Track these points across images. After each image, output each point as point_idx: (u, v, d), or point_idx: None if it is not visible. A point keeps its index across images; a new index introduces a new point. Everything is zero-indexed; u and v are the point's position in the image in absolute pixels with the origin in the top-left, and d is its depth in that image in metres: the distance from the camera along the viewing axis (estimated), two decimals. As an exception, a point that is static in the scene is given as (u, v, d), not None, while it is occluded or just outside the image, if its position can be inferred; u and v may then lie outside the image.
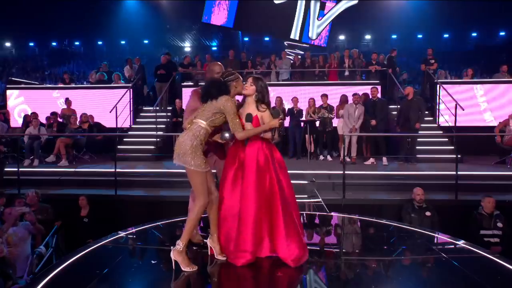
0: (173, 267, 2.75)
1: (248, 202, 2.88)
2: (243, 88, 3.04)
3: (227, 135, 2.98)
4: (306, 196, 5.59)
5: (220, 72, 3.27)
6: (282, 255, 2.84)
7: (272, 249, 2.91)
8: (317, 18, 10.90)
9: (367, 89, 8.65)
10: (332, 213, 4.64)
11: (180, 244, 2.75)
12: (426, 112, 8.59)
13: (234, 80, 2.99)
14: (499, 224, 5.02)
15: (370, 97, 7.89)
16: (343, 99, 8.44)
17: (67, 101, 9.46)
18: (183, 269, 2.74)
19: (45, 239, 5.04)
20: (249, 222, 2.85)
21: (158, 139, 8.81)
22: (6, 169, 7.06)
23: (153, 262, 3.01)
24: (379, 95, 8.06)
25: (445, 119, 8.62)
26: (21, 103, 10.45)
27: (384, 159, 7.51)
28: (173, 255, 2.76)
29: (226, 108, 2.81)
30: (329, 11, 10.88)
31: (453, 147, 7.70)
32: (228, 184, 2.99)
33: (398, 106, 8.78)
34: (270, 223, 2.91)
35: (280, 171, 3.02)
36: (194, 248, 3.14)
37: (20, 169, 6.62)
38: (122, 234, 3.61)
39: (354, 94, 7.94)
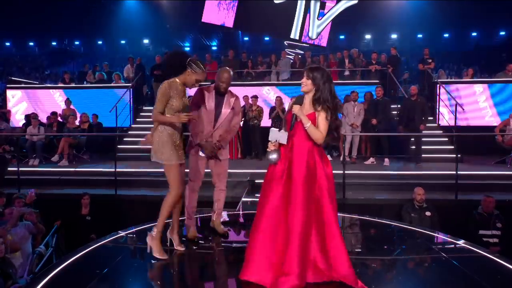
0: (148, 251, 2.95)
1: (295, 215, 2.43)
2: (190, 84, 2.92)
3: (275, 156, 2.58)
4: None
5: (225, 83, 3.29)
6: (344, 272, 2.43)
7: (327, 268, 2.46)
8: (317, 18, 10.90)
9: (367, 89, 8.65)
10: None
11: (155, 231, 2.93)
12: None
13: (193, 68, 2.90)
14: (498, 225, 5.02)
15: (375, 96, 7.88)
16: (347, 99, 8.43)
17: (67, 101, 9.47)
18: (154, 255, 2.89)
19: (45, 238, 5.05)
20: (296, 239, 2.39)
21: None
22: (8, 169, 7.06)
23: (153, 261, 3.01)
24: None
25: (445, 119, 8.63)
26: (21, 102, 10.45)
27: (386, 160, 7.50)
28: (148, 240, 2.94)
29: (158, 90, 2.87)
30: (329, 10, 10.88)
31: (453, 147, 7.69)
32: (274, 190, 2.52)
33: (399, 106, 8.77)
34: (323, 238, 2.49)
35: (329, 185, 2.56)
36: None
37: (20, 169, 6.62)
38: (122, 233, 3.61)
39: (353, 92, 7.93)
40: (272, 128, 2.67)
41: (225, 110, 3.38)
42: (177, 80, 2.93)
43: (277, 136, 2.61)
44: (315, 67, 2.60)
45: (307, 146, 2.54)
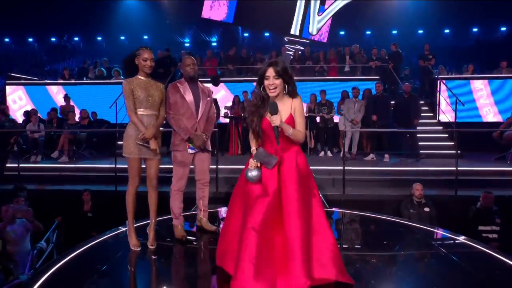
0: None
1: (293, 220, 2.24)
2: (143, 66, 2.99)
3: (255, 173, 2.35)
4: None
5: (191, 64, 3.32)
6: (336, 272, 2.33)
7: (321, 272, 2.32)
8: (318, 14, 10.86)
9: (367, 85, 8.64)
10: (332, 209, 4.65)
11: (126, 224, 3.15)
12: (423, 108, 8.60)
13: (137, 55, 3.03)
14: (497, 220, 5.03)
15: (375, 92, 7.87)
16: (345, 95, 8.43)
17: (66, 97, 9.46)
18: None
19: (46, 234, 5.07)
20: (297, 246, 2.19)
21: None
22: (7, 165, 7.07)
23: (153, 257, 3.02)
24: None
25: (445, 115, 8.62)
26: (20, 99, 10.44)
27: (386, 156, 7.51)
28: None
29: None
30: (329, 6, 10.84)
31: (453, 143, 7.70)
32: (268, 196, 2.29)
33: (393, 102, 8.76)
34: (315, 242, 2.35)
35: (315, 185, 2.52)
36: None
37: (20, 165, 6.63)
38: (122, 229, 3.62)
39: (354, 88, 7.92)
40: (260, 148, 2.39)
41: (204, 100, 3.39)
42: (139, 76, 3.08)
43: (264, 159, 2.34)
44: (274, 62, 2.33)
45: (294, 148, 2.41)
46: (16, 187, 5.59)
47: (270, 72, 2.30)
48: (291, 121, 2.38)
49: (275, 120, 2.26)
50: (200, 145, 3.32)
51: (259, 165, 2.37)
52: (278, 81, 2.31)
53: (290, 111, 2.38)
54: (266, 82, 2.32)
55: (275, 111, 2.27)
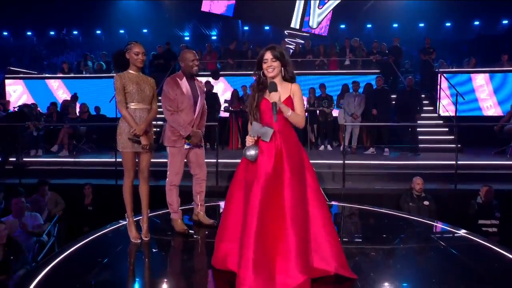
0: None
1: (289, 212, 2.26)
2: (135, 60, 2.99)
3: (253, 152, 2.39)
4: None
5: (195, 60, 3.26)
6: (337, 264, 2.36)
7: (321, 264, 2.35)
8: (318, 7, 10.79)
9: (368, 78, 8.62)
10: (332, 202, 4.66)
11: (125, 217, 3.15)
12: (424, 102, 8.59)
13: (128, 50, 3.03)
14: (497, 214, 5.04)
15: (375, 86, 7.84)
16: (345, 89, 8.41)
17: (74, 96, 9.41)
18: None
19: (47, 228, 5.09)
20: (292, 240, 2.22)
21: (158, 129, 8.79)
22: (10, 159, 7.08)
23: (154, 250, 3.03)
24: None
25: (445, 108, 8.60)
26: (20, 93, 10.41)
27: (386, 150, 7.50)
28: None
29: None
30: (330, -1, 10.77)
31: (453, 137, 7.69)
32: (267, 183, 2.29)
33: (394, 96, 8.74)
34: (313, 232, 2.38)
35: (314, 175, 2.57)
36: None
37: (21, 159, 6.63)
38: (123, 222, 3.63)
39: (354, 82, 7.89)
40: (254, 122, 2.43)
41: (201, 96, 3.37)
42: (130, 70, 3.08)
43: (260, 131, 2.37)
44: (272, 46, 2.41)
45: (293, 136, 2.44)
46: (40, 181, 5.66)
47: (268, 55, 2.38)
48: (289, 103, 2.41)
49: (274, 97, 2.30)
50: (197, 142, 3.33)
51: (256, 140, 2.40)
52: (275, 63, 2.39)
53: (289, 94, 2.42)
54: (264, 66, 2.40)
55: (274, 89, 2.32)
